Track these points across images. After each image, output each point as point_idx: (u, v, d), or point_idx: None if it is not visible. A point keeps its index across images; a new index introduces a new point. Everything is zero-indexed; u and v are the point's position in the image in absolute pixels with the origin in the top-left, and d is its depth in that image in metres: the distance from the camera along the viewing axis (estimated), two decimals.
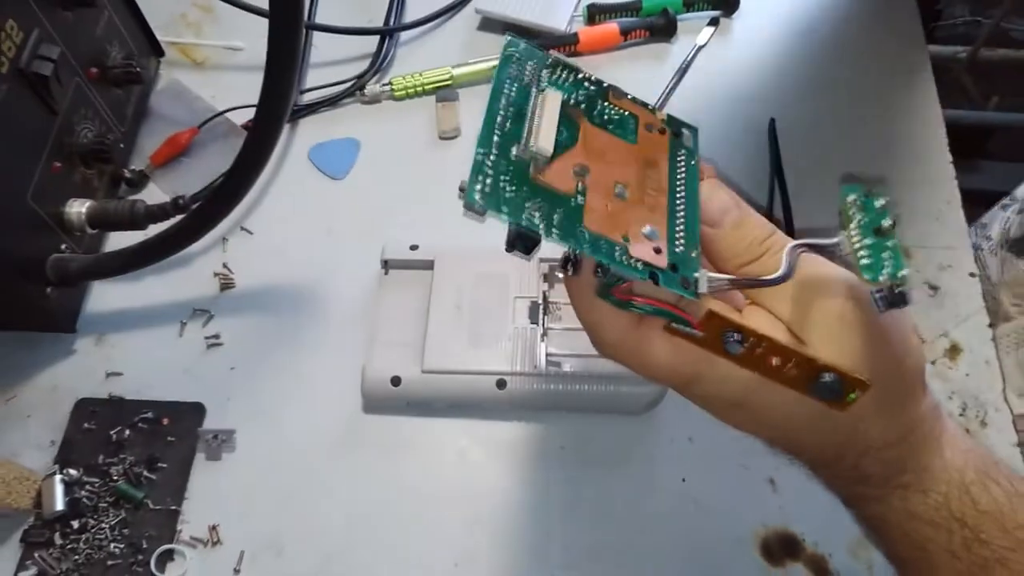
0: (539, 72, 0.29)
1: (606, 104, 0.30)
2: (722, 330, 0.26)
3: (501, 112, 0.27)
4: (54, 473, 0.43)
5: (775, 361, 0.26)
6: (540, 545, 0.43)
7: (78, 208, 0.47)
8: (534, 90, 0.29)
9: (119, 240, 0.51)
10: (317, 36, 0.61)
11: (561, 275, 0.29)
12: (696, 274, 0.26)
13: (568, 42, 0.60)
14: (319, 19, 0.62)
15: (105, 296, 0.51)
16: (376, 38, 0.61)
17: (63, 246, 0.47)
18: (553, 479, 0.44)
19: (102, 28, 0.51)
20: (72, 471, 0.44)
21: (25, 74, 0.42)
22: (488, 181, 0.26)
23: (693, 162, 0.29)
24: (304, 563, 0.42)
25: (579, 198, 0.26)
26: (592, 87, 0.30)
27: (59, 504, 0.42)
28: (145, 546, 0.42)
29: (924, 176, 0.55)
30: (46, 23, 0.44)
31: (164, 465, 0.44)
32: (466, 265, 0.48)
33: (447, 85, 0.59)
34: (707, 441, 0.45)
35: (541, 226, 0.25)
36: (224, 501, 0.44)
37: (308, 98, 0.59)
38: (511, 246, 0.26)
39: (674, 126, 0.30)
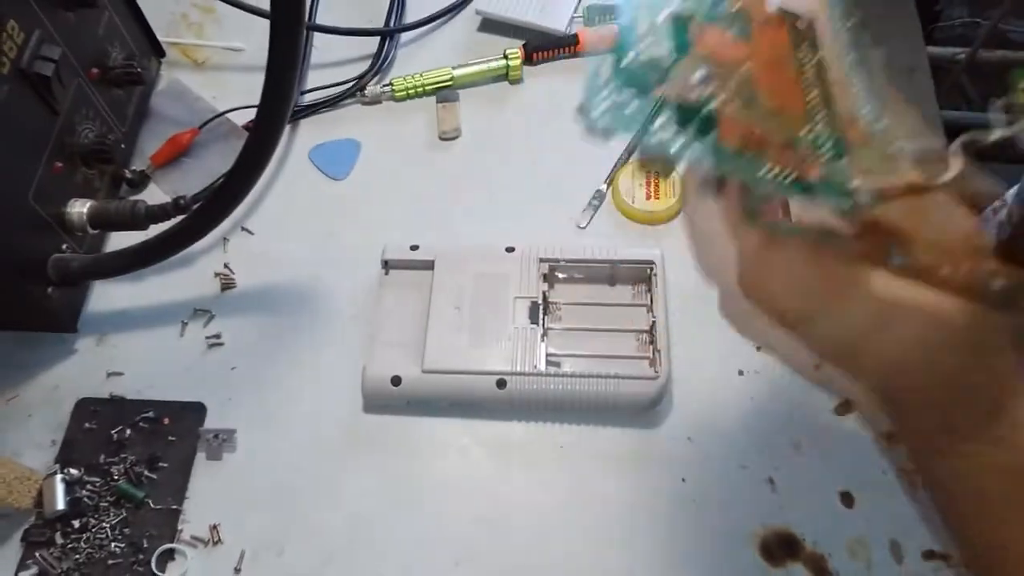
0: None
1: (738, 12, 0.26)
2: (886, 240, 0.23)
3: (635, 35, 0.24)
4: (55, 472, 0.43)
5: (946, 270, 0.23)
6: (540, 545, 0.43)
7: (79, 208, 0.47)
8: None
9: (120, 240, 0.51)
10: (318, 37, 0.61)
11: (706, 196, 0.26)
12: (854, 183, 0.23)
13: (568, 43, 0.60)
14: (320, 20, 0.62)
15: (106, 296, 0.51)
16: (376, 39, 0.61)
17: (64, 246, 0.47)
18: (553, 479, 0.44)
19: (103, 29, 0.51)
20: (73, 471, 0.44)
21: (26, 74, 0.43)
22: (610, 98, 0.23)
23: (820, 56, 0.26)
24: (304, 562, 0.42)
25: (711, 106, 0.23)
26: None
27: (60, 503, 0.42)
28: (146, 545, 0.42)
29: None
30: (47, 24, 0.45)
31: (165, 465, 0.44)
32: (466, 265, 0.48)
33: (447, 86, 0.59)
34: (707, 441, 0.45)
35: (674, 145, 0.22)
36: (225, 501, 0.44)
37: (309, 99, 0.59)
38: (590, 132, 0.23)
39: (789, 17, 0.26)
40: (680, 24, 0.25)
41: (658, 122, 0.23)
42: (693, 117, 0.23)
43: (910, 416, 0.28)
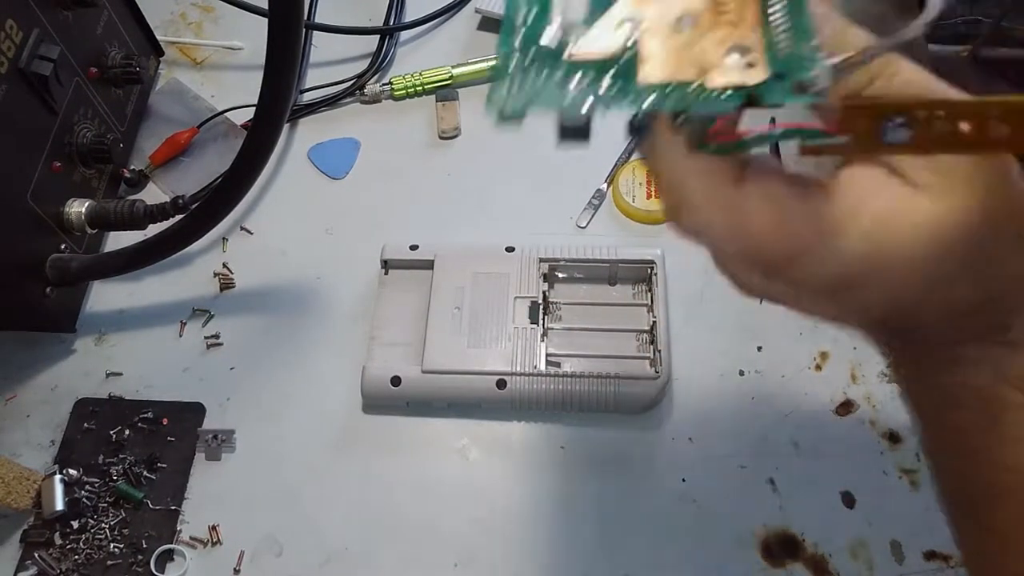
0: None
1: None
2: (875, 118, 0.20)
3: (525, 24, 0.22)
4: (54, 473, 0.43)
5: (965, 127, 0.20)
6: (540, 545, 0.43)
7: (78, 208, 0.47)
8: None
9: (119, 240, 0.51)
10: (317, 36, 0.61)
11: (637, 146, 0.24)
12: (814, 71, 0.20)
13: None
14: (319, 19, 0.62)
15: (105, 296, 0.51)
16: (376, 38, 0.61)
17: (63, 246, 0.47)
18: (553, 479, 0.44)
19: (102, 28, 0.51)
20: (72, 471, 0.44)
21: (25, 74, 0.42)
22: (515, 81, 0.21)
23: None
24: (304, 563, 0.42)
25: (630, 52, 0.21)
26: None
27: (59, 504, 0.42)
28: (145, 546, 0.42)
29: None
30: (46, 23, 0.44)
31: (164, 465, 0.44)
32: (466, 265, 0.48)
33: (447, 85, 0.59)
34: (707, 441, 0.45)
35: (586, 102, 0.20)
36: (224, 501, 0.44)
37: (308, 98, 0.59)
38: (562, 137, 0.22)
39: None
40: None
41: (573, 85, 0.21)
42: (612, 66, 0.21)
43: (937, 330, 0.25)
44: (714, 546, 0.42)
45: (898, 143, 0.20)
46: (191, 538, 0.43)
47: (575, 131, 0.22)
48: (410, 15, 0.63)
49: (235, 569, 0.42)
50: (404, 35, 0.62)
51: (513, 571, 0.42)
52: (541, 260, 0.48)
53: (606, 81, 0.21)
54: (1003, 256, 0.23)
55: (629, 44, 0.21)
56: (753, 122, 0.21)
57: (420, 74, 0.58)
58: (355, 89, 0.59)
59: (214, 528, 0.43)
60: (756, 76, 0.20)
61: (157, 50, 0.59)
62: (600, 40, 0.21)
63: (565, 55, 0.21)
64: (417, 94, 0.59)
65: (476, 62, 0.59)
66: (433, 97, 0.59)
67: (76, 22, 0.48)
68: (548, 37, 0.22)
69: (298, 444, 0.46)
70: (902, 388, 0.27)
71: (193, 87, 0.59)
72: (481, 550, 0.43)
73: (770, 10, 0.21)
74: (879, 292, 0.23)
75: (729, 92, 0.20)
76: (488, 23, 0.62)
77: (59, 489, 0.43)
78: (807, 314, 0.25)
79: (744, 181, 0.22)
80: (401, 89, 0.58)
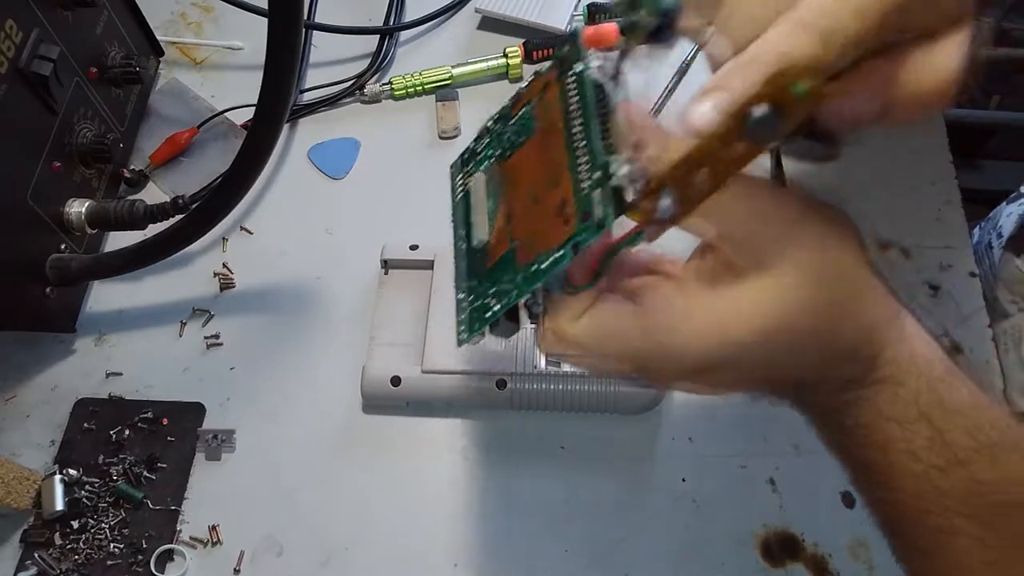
0: (469, 165, 0.31)
1: (509, 125, 0.30)
2: (647, 212, 0.24)
3: (460, 241, 0.29)
4: (54, 473, 0.43)
5: (721, 163, 0.22)
6: (540, 546, 0.43)
7: (78, 208, 0.47)
8: (466, 181, 0.30)
9: (119, 240, 0.51)
10: (317, 35, 0.61)
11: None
12: (596, 206, 0.23)
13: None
14: (319, 18, 0.62)
15: (105, 296, 0.51)
16: (376, 37, 0.61)
17: (63, 246, 0.47)
18: (553, 479, 0.44)
19: (102, 28, 0.51)
20: (72, 471, 0.44)
21: (25, 74, 0.42)
22: (466, 316, 0.27)
23: (579, 71, 0.27)
24: (304, 563, 0.42)
25: (514, 244, 0.26)
26: (498, 122, 0.31)
27: (59, 504, 0.42)
28: (145, 546, 0.42)
29: (924, 175, 0.55)
30: (46, 23, 0.44)
31: (164, 465, 0.44)
32: None
33: (447, 84, 0.59)
34: (707, 441, 0.45)
35: (496, 308, 0.26)
36: (224, 501, 0.44)
37: (308, 98, 0.59)
38: (491, 332, 0.27)
39: (559, 55, 0.28)
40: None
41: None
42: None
43: (807, 392, 0.28)
44: (714, 546, 0.42)
45: (669, 217, 0.23)
46: (191, 538, 0.43)
47: (502, 332, 0.27)
48: (410, 15, 0.63)
49: (235, 569, 0.42)
50: (404, 35, 0.62)
51: (513, 571, 0.42)
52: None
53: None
54: (843, 315, 0.26)
55: (511, 238, 0.26)
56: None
57: (420, 74, 0.58)
58: (355, 89, 0.59)
59: (214, 528, 0.43)
60: (568, 230, 0.24)
61: (157, 50, 0.59)
62: (497, 244, 0.27)
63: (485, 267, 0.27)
64: (417, 94, 0.59)
65: (476, 62, 0.59)
66: (433, 97, 0.59)
67: (76, 22, 0.47)
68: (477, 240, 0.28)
69: (298, 444, 0.46)
70: (817, 434, 0.30)
71: (193, 87, 0.59)
72: (481, 550, 0.42)
73: (577, 151, 0.25)
74: (733, 373, 0.26)
75: (553, 260, 0.24)
76: (488, 23, 0.62)
77: (59, 489, 0.43)
78: (696, 391, 0.28)
79: (582, 320, 0.27)
80: (401, 89, 0.58)
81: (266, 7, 0.34)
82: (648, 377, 0.28)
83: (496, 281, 0.27)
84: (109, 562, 0.42)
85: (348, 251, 0.52)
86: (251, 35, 0.61)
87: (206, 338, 0.49)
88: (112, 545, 0.42)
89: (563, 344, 0.27)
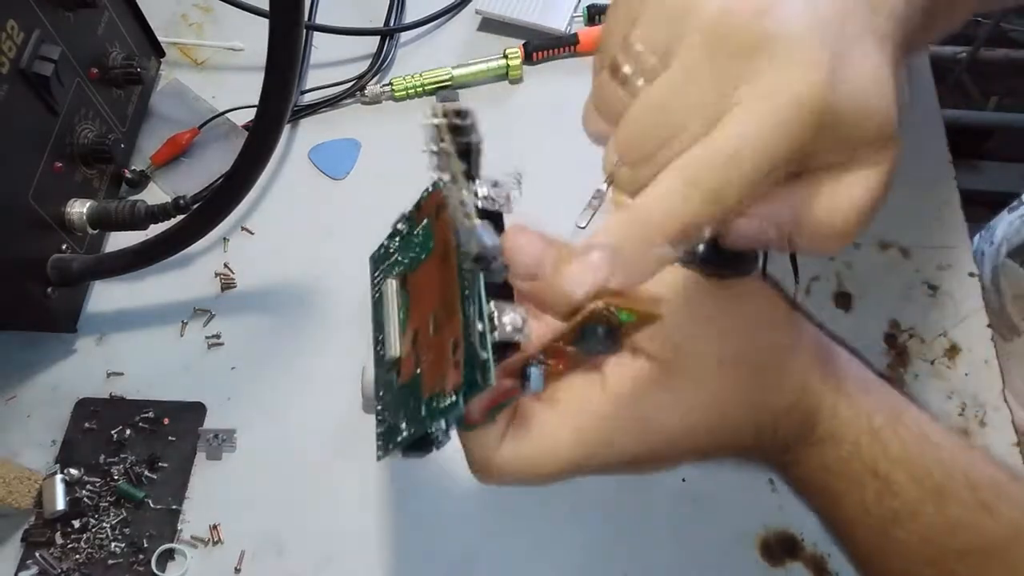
0: (384, 263, 0.30)
1: (414, 233, 0.29)
2: (506, 391, 0.24)
3: (379, 346, 0.29)
4: (55, 473, 0.43)
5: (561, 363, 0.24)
6: (540, 546, 0.43)
7: (79, 208, 0.47)
8: (380, 282, 0.30)
9: (120, 240, 0.51)
10: (317, 36, 0.61)
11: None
12: (477, 370, 0.23)
13: (568, 43, 0.60)
14: (319, 19, 0.62)
15: (106, 296, 0.51)
16: (376, 38, 0.61)
17: (64, 246, 0.47)
18: None
19: (103, 29, 0.51)
20: (73, 471, 0.44)
21: (26, 74, 0.42)
22: (384, 431, 0.28)
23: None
24: (304, 563, 0.42)
25: (419, 369, 0.26)
26: (406, 223, 0.30)
27: (60, 504, 0.42)
28: (146, 545, 0.42)
29: (923, 176, 0.55)
30: (47, 23, 0.44)
31: (165, 465, 0.44)
32: None
33: (447, 85, 0.59)
34: None
35: (405, 435, 0.26)
36: (225, 501, 0.44)
37: (308, 98, 0.59)
38: (404, 453, 0.27)
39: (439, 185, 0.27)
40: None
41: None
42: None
43: (747, 455, 0.29)
44: (714, 546, 0.42)
45: (536, 390, 0.24)
46: (192, 537, 0.43)
47: (416, 452, 0.27)
48: (410, 16, 0.63)
49: (236, 568, 0.42)
50: (404, 36, 0.62)
51: (513, 571, 0.42)
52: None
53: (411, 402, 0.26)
54: (763, 388, 0.26)
55: (417, 360, 0.26)
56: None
57: (420, 75, 0.58)
58: (356, 90, 0.59)
59: (215, 527, 0.43)
60: (458, 376, 0.23)
61: (158, 51, 0.59)
62: (407, 363, 0.27)
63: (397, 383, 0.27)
64: (417, 95, 0.59)
65: (476, 63, 0.59)
66: (434, 98, 0.59)
67: (77, 23, 0.48)
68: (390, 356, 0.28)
69: (299, 444, 0.46)
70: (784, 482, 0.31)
71: (194, 88, 0.59)
72: (481, 550, 0.43)
73: (465, 300, 0.25)
74: (669, 461, 0.27)
75: (449, 400, 0.24)
76: (488, 24, 0.62)
77: (60, 489, 0.43)
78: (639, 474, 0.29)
79: (502, 450, 0.27)
80: (402, 90, 0.58)
81: (267, 8, 0.34)
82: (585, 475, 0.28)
83: (405, 404, 0.27)
84: (110, 561, 0.42)
85: (349, 251, 0.52)
86: (252, 36, 0.61)
87: (207, 338, 0.49)
88: (113, 544, 0.42)
89: (495, 479, 0.27)
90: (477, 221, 0.23)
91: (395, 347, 0.28)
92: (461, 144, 0.24)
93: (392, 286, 0.29)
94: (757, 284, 0.27)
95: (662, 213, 0.22)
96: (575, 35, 0.60)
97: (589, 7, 0.62)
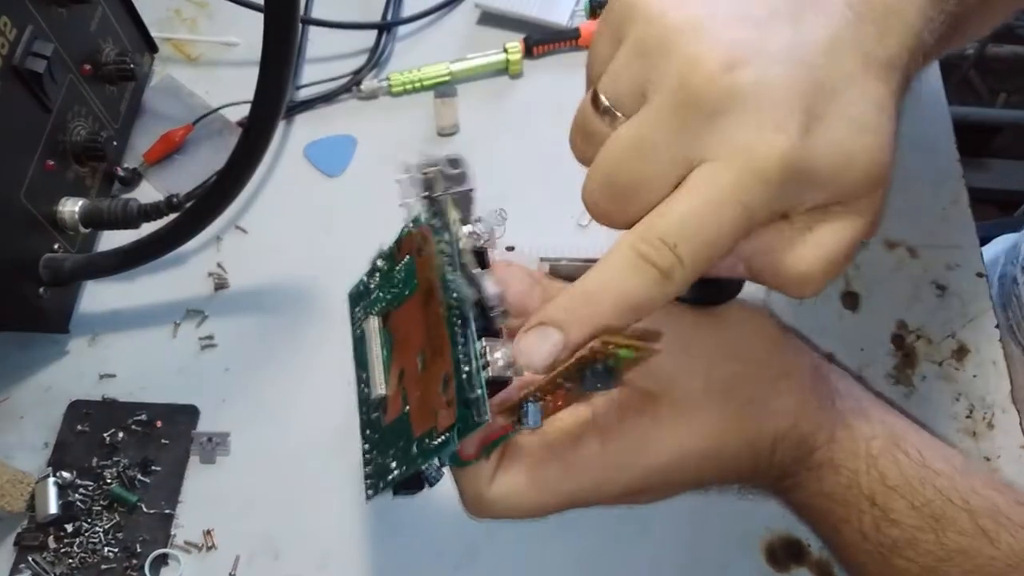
0: (363, 300, 0.30)
1: (395, 270, 0.29)
2: (508, 425, 0.25)
3: (362, 384, 0.28)
4: (48, 476, 0.43)
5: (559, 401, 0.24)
6: (540, 547, 0.42)
7: (71, 207, 0.46)
8: (361, 320, 0.30)
9: (112, 239, 0.51)
10: (313, 31, 0.60)
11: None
12: (472, 407, 0.23)
13: (570, 36, 0.59)
14: (315, 13, 0.61)
15: (98, 296, 0.50)
16: (373, 33, 0.60)
17: (56, 245, 0.46)
18: None
19: (96, 25, 0.50)
20: (66, 474, 0.43)
21: (18, 71, 0.42)
22: (372, 470, 0.28)
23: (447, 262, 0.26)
24: (301, 567, 0.42)
25: (406, 408, 0.26)
26: (385, 261, 0.30)
27: (53, 507, 0.42)
28: (139, 550, 0.42)
29: (931, 174, 0.54)
30: (40, 20, 0.44)
31: (158, 468, 0.44)
32: None
33: (446, 81, 0.58)
34: None
35: (396, 473, 0.26)
36: (219, 505, 0.43)
37: (304, 94, 0.58)
38: (395, 493, 0.28)
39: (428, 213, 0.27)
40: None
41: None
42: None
43: (746, 480, 0.29)
44: (718, 550, 0.42)
45: (534, 426, 0.24)
46: (185, 542, 0.42)
47: (406, 491, 0.27)
48: (408, 10, 0.62)
49: (230, 574, 0.42)
50: (402, 30, 0.61)
51: (513, 573, 0.42)
52: (542, 259, 0.47)
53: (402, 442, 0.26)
54: (753, 417, 0.26)
55: (404, 398, 0.26)
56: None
57: (418, 70, 0.58)
58: (352, 85, 0.58)
59: (209, 532, 0.42)
60: (451, 415, 0.23)
61: (151, 46, 0.58)
62: (393, 402, 0.27)
63: (383, 423, 0.27)
64: (415, 90, 0.58)
65: (475, 58, 0.58)
66: (431, 93, 0.58)
67: (70, 19, 0.47)
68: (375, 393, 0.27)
69: (294, 446, 0.45)
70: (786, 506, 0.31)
71: (188, 84, 0.58)
72: (481, 552, 0.42)
73: (455, 338, 0.24)
74: (662, 492, 0.28)
75: (442, 439, 0.24)
76: (488, 18, 0.62)
77: (53, 492, 0.42)
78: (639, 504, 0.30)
79: (495, 485, 0.27)
80: (399, 85, 0.57)
81: (261, 2, 0.33)
82: (578, 507, 0.28)
83: (393, 443, 0.26)
84: (103, 566, 0.41)
85: (344, 250, 0.51)
86: (246, 31, 0.60)
87: (200, 339, 0.48)
88: (106, 549, 0.42)
89: (486, 513, 0.27)
90: (477, 269, 0.23)
91: (381, 386, 0.28)
92: (456, 194, 0.24)
93: (374, 323, 0.29)
94: (747, 310, 0.27)
95: (613, 295, 0.21)
96: (577, 29, 0.59)
97: (591, 0, 0.61)
